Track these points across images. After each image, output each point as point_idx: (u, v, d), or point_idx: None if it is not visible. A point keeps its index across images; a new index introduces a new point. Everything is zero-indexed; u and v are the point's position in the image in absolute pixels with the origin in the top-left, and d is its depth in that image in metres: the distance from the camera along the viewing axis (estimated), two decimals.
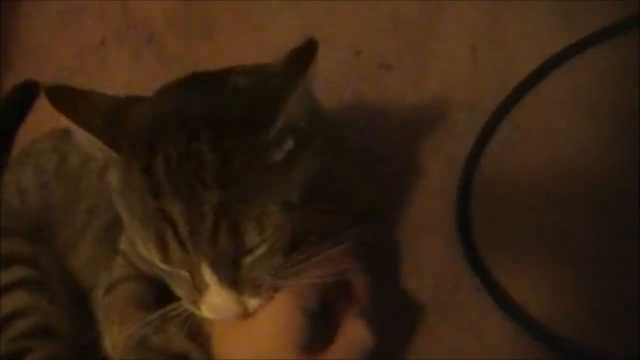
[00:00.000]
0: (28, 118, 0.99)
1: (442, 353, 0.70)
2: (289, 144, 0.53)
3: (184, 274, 0.54)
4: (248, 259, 0.53)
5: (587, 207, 0.71)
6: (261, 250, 0.53)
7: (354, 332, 0.59)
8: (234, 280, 0.53)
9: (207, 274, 0.52)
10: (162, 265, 0.54)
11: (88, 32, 1.04)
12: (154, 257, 0.53)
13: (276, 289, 0.56)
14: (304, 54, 0.52)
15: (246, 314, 0.55)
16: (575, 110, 0.75)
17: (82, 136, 0.53)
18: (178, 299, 0.58)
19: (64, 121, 0.83)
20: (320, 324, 0.58)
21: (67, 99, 0.54)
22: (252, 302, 0.55)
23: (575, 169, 0.73)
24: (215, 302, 0.54)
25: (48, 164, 0.84)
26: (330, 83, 0.64)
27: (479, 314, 0.70)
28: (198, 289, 0.54)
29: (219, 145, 0.50)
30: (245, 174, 0.50)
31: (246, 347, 0.57)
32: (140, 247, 0.54)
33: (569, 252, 0.70)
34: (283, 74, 0.52)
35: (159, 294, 0.64)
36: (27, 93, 1.00)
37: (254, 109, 0.52)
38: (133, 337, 0.60)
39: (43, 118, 0.97)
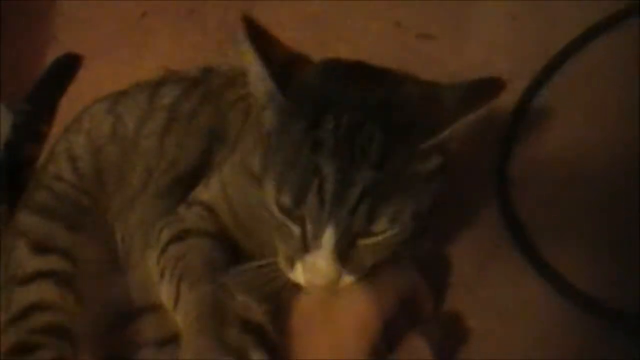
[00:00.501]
0: (70, 89, 1.01)
1: (474, 302, 0.72)
2: (439, 160, 0.56)
3: (296, 229, 0.55)
4: (366, 241, 0.55)
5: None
6: (380, 238, 0.55)
7: (416, 349, 0.60)
8: (344, 251, 0.54)
9: (327, 236, 0.53)
10: (279, 214, 0.55)
11: (129, 5, 1.05)
12: (285, 200, 0.54)
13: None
14: (489, 90, 0.55)
15: (334, 289, 0.57)
16: (619, 78, 0.74)
17: (256, 72, 0.56)
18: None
19: (105, 90, 0.87)
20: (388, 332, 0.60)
21: (257, 33, 0.56)
22: (347, 280, 0.56)
23: (619, 138, 0.73)
24: (318, 264, 0.54)
25: (102, 128, 0.83)
26: (371, 54, 0.65)
27: (516, 273, 0.72)
28: (304, 247, 0.55)
29: (385, 132, 0.53)
30: (401, 170, 0.54)
31: (325, 344, 0.58)
32: (269, 186, 0.55)
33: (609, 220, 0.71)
34: (462, 99, 0.55)
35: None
36: (68, 65, 1.02)
37: (423, 118, 0.55)
38: (208, 298, 0.58)
39: (84, 90, 0.99)
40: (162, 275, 0.64)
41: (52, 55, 1.04)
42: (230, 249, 0.65)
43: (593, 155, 0.75)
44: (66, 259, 0.74)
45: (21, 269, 0.74)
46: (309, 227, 0.54)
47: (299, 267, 0.56)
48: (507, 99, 0.78)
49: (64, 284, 0.72)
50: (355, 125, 0.53)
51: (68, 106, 0.98)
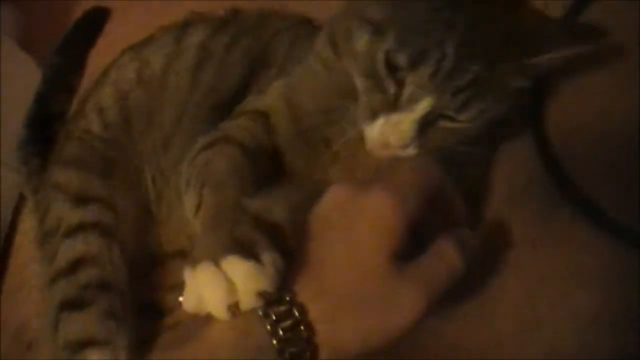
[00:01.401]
0: (98, 42, 1.01)
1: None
2: (525, 82, 0.63)
3: (392, 88, 0.59)
4: (446, 124, 0.60)
5: None
6: (458, 126, 0.61)
7: (445, 252, 0.57)
8: (426, 125, 0.60)
9: (423, 104, 0.58)
10: (383, 68, 0.59)
11: None
12: (402, 58, 0.58)
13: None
14: (592, 35, 0.66)
15: (397, 152, 0.60)
16: None
17: None
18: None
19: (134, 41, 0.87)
20: (414, 237, 0.57)
21: None
22: (411, 150, 0.60)
23: None
24: (401, 124, 0.59)
25: (127, 74, 0.84)
26: None
27: (551, 207, 0.71)
28: (394, 105, 0.59)
29: (505, 42, 0.60)
30: (503, 77, 0.60)
31: (342, 243, 0.55)
32: (388, 39, 0.59)
33: None
34: (568, 34, 0.66)
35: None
36: (97, 18, 1.02)
37: (533, 38, 0.62)
38: (229, 199, 0.58)
39: (113, 42, 0.99)
40: (187, 183, 0.64)
41: (80, 10, 1.04)
42: (267, 163, 0.66)
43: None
44: (107, 208, 0.75)
45: (64, 221, 0.74)
46: (408, 89, 0.58)
47: (380, 121, 0.60)
48: None
49: (108, 234, 0.73)
50: (482, 25, 0.59)
51: (97, 59, 0.99)
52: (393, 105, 0.59)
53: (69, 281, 0.70)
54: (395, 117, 0.59)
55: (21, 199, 0.92)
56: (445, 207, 0.61)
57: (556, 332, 0.66)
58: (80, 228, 0.73)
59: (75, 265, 0.71)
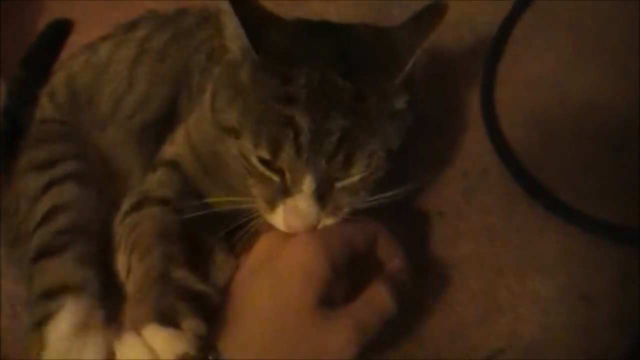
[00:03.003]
0: (62, 54, 1.01)
1: (465, 229, 0.72)
2: (407, 97, 0.60)
3: (275, 177, 0.58)
4: (343, 183, 0.58)
5: None
6: (357, 179, 0.58)
7: (377, 295, 0.59)
8: (324, 195, 0.57)
9: (307, 182, 0.56)
10: (259, 165, 0.58)
11: None
12: (263, 153, 0.57)
13: None
14: (434, 14, 0.58)
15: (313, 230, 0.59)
16: None
17: (233, 28, 0.58)
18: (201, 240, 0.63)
19: None
20: (343, 283, 0.59)
21: None
22: (326, 221, 0.59)
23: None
24: (299, 207, 0.57)
25: (78, 61, 0.88)
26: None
27: (507, 198, 0.72)
28: (285, 191, 0.57)
29: (353, 81, 0.56)
30: (374, 113, 0.57)
31: (266, 290, 0.57)
32: (246, 141, 0.57)
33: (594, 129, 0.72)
34: (412, 32, 0.59)
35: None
36: (60, 30, 1.02)
37: (382, 58, 0.59)
38: (154, 269, 0.59)
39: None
40: (118, 245, 0.65)
41: (42, 23, 1.04)
42: (194, 205, 0.66)
43: (580, 80, 0.75)
44: (77, 160, 0.76)
45: (34, 188, 0.74)
46: (288, 175, 0.57)
47: (280, 210, 0.59)
48: (492, 19, 0.79)
49: (82, 182, 0.74)
50: (325, 78, 0.56)
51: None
52: (285, 191, 0.58)
53: (44, 230, 0.70)
54: (290, 202, 0.58)
55: None
56: (374, 253, 0.63)
57: (517, 317, 0.68)
58: (52, 183, 0.74)
59: (50, 214, 0.71)
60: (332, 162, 0.56)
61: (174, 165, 0.70)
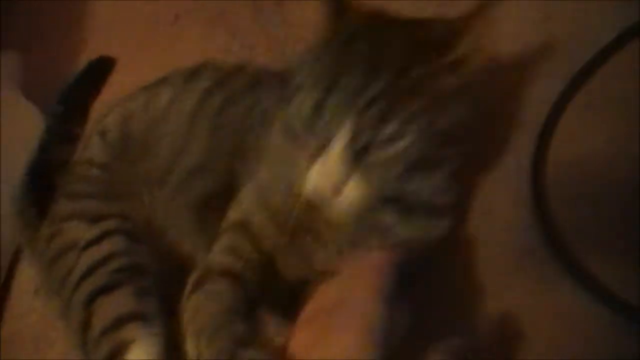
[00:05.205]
0: (103, 92, 1.01)
1: (501, 308, 0.70)
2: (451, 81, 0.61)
3: (314, 140, 0.59)
4: (379, 153, 0.58)
5: None
6: (391, 152, 0.58)
7: None
8: (356, 153, 0.58)
9: (340, 135, 0.57)
10: (303, 127, 0.60)
11: (161, 6, 1.05)
12: (307, 108, 0.59)
13: None
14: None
15: (336, 192, 0.59)
16: None
17: None
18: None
19: None
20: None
21: None
22: (353, 186, 0.59)
23: None
24: (329, 162, 0.58)
25: (135, 103, 0.85)
26: None
27: (549, 279, 0.70)
28: (321, 149, 0.58)
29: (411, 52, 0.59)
30: (420, 85, 0.58)
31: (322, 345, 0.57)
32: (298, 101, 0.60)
33: None
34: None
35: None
36: (101, 68, 1.02)
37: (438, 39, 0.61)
38: (224, 353, 0.59)
39: (117, 93, 0.99)
40: (186, 329, 0.64)
41: (83, 58, 1.04)
42: (261, 275, 0.66)
43: (631, 157, 0.74)
44: (123, 219, 0.76)
45: (82, 238, 0.74)
46: (325, 129, 0.58)
47: (314, 170, 0.59)
48: (543, 97, 0.78)
49: (132, 238, 0.74)
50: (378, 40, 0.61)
51: (101, 109, 0.98)
52: (321, 149, 0.59)
53: (100, 273, 0.70)
54: (322, 160, 0.58)
55: (18, 250, 0.91)
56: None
57: None
58: (103, 236, 0.73)
59: (103, 261, 0.71)
60: (365, 115, 0.57)
61: (241, 226, 0.69)
